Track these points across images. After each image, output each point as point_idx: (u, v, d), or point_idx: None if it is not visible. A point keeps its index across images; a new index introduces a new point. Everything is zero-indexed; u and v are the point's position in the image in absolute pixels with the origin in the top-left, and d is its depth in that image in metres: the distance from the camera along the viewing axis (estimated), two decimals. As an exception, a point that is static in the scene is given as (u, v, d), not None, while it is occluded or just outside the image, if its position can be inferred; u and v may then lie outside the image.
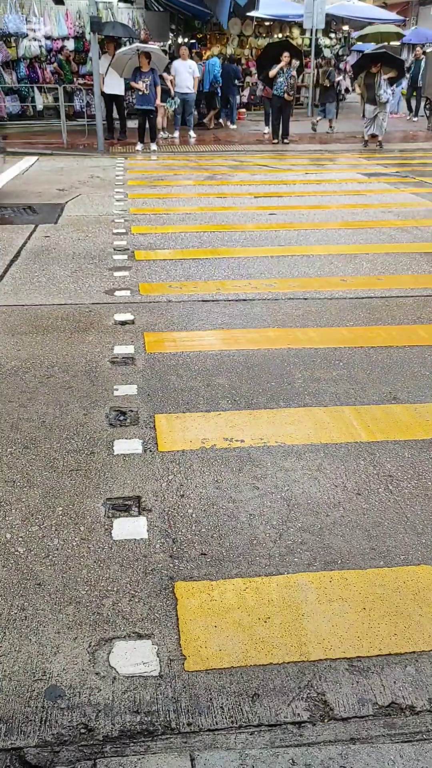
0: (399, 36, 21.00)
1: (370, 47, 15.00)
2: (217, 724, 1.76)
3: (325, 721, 1.77)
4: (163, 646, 1.98)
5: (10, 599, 2.15)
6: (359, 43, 15.84)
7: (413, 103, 20.15)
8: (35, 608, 2.12)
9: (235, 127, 17.83)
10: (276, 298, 5.04)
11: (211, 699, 1.82)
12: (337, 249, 6.48)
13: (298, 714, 1.79)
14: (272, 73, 14.13)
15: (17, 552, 2.37)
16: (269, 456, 2.97)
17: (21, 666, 1.92)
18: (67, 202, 8.52)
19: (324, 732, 1.74)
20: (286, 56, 14.15)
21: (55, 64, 17.30)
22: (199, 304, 4.90)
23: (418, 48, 20.11)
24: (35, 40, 16.96)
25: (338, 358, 3.99)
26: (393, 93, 15.17)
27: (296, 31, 23.76)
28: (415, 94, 19.77)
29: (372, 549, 2.40)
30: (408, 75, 18.84)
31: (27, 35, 16.86)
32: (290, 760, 1.65)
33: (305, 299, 5.01)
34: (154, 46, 14.38)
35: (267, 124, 16.01)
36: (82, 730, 1.74)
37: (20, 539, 2.43)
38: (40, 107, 17.44)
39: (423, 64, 18.08)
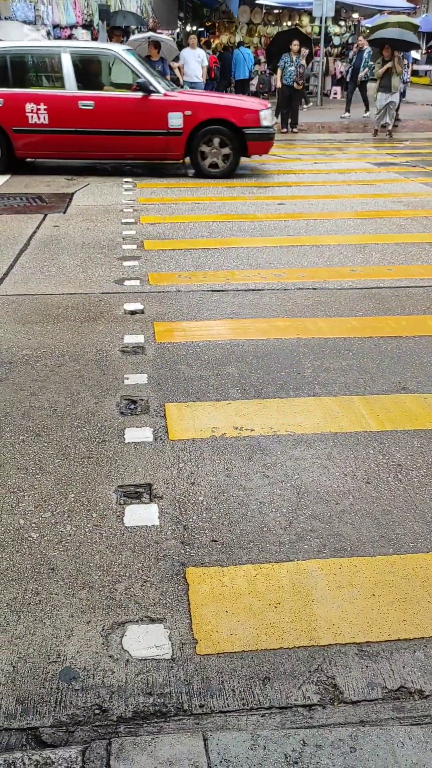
0: (415, 27, 20.47)
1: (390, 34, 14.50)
2: (228, 706, 1.79)
3: (335, 704, 1.80)
4: (175, 630, 2.02)
5: (24, 584, 2.19)
6: (380, 30, 15.05)
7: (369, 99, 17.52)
8: (49, 592, 2.16)
9: None
10: (285, 288, 5.05)
11: (222, 682, 1.85)
12: (346, 239, 6.47)
13: (309, 697, 1.82)
14: (278, 72, 14.24)
15: (30, 538, 2.40)
16: (279, 445, 2.99)
17: (36, 648, 1.95)
18: (75, 192, 8.53)
19: (334, 714, 1.77)
20: (295, 44, 14.09)
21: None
22: (208, 293, 4.92)
23: (360, 38, 18.31)
24: (44, 26, 16.91)
25: (348, 348, 4.00)
26: (407, 82, 15.00)
27: (306, 19, 23.60)
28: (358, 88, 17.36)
29: (381, 537, 2.42)
30: (349, 66, 17.48)
31: (35, 23, 16.82)
32: (301, 741, 1.68)
33: (315, 289, 5.02)
34: (164, 36, 14.33)
35: (275, 115, 15.94)
36: (97, 711, 1.77)
37: (33, 525, 2.47)
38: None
39: (365, 55, 16.24)
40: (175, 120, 9.00)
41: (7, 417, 3.20)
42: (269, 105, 9.99)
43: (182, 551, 2.34)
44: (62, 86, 9.16)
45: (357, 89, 17.12)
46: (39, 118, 9.01)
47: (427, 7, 26.96)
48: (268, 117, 9.38)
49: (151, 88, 9.03)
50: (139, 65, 9.42)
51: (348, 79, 17.39)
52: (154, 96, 9.02)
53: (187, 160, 9.59)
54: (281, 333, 4.21)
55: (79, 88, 9.10)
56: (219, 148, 9.29)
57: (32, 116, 8.99)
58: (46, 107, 8.97)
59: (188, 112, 9.03)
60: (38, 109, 8.98)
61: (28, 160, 9.87)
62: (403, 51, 13.98)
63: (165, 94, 9.12)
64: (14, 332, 4.20)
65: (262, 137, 9.38)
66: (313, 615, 2.07)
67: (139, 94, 9.05)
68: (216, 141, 9.25)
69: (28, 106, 8.97)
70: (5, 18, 16.57)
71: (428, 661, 1.93)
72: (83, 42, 11.55)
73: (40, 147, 9.32)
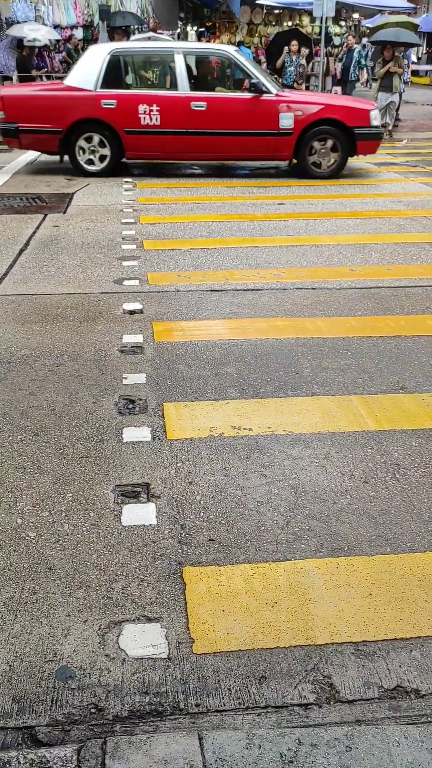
0: (415, 26, 20.43)
1: (388, 35, 14.52)
2: (224, 705, 1.79)
3: (331, 703, 1.80)
4: (172, 629, 2.02)
5: (21, 583, 2.19)
6: (381, 31, 15.00)
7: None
8: (46, 592, 2.16)
9: None
10: (284, 287, 5.05)
11: (218, 681, 1.85)
12: (345, 239, 6.47)
13: (305, 696, 1.82)
14: (279, 63, 14.15)
15: (28, 537, 2.40)
16: (277, 444, 2.99)
17: (32, 647, 1.95)
18: (75, 192, 8.53)
19: (330, 714, 1.77)
20: (294, 44, 14.11)
21: (64, 53, 17.27)
22: (207, 293, 4.92)
23: (350, 38, 18.42)
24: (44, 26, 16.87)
25: (346, 348, 4.00)
26: (407, 82, 14.97)
27: (306, 19, 23.62)
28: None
29: (379, 536, 2.42)
30: (339, 66, 17.44)
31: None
32: (296, 740, 1.68)
33: (314, 289, 5.02)
34: (165, 36, 14.34)
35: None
36: (93, 710, 1.77)
37: (31, 524, 2.47)
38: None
39: (356, 55, 15.93)
40: (287, 120, 8.98)
41: (6, 416, 3.20)
42: (376, 104, 9.99)
43: (179, 550, 2.34)
44: (175, 87, 9.15)
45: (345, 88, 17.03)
46: (151, 120, 8.93)
47: (427, 7, 26.97)
48: (377, 117, 9.40)
49: (264, 88, 9.02)
50: (251, 66, 9.48)
51: (340, 79, 17.33)
52: (265, 96, 9.00)
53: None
54: (280, 333, 4.21)
55: (191, 88, 9.09)
56: (328, 148, 9.27)
57: (144, 117, 8.93)
58: (158, 108, 8.90)
59: (299, 113, 9.01)
60: (151, 111, 8.91)
61: (124, 161, 9.70)
62: (406, 48, 13.97)
63: (277, 95, 9.09)
64: (13, 332, 4.20)
65: (371, 137, 9.36)
66: (309, 614, 2.07)
67: (249, 95, 9.05)
68: (325, 141, 9.23)
69: (141, 108, 8.89)
70: (6, 18, 16.58)
71: (425, 661, 1.93)
72: (194, 42, 11.77)
73: (150, 148, 9.28)
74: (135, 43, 11.92)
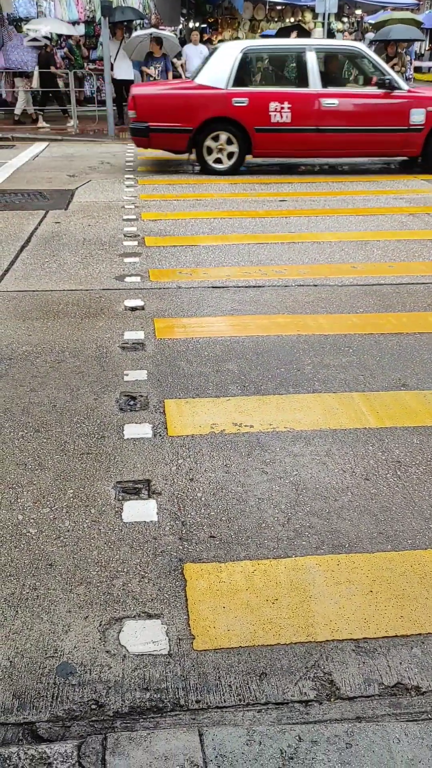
0: (418, 23, 20.40)
1: (385, 33, 14.58)
2: (225, 701, 1.79)
3: (332, 700, 1.80)
4: (173, 625, 2.02)
5: (22, 579, 2.19)
6: (381, 30, 14.97)
7: None
8: (47, 588, 2.16)
9: None
10: (286, 284, 5.04)
11: (219, 677, 1.85)
12: (347, 236, 6.46)
13: (305, 693, 1.82)
14: None
15: (29, 533, 2.40)
16: (278, 441, 2.99)
17: (33, 644, 1.95)
18: (77, 188, 8.52)
19: (330, 710, 1.77)
20: (293, 36, 14.10)
21: (66, 49, 17.21)
22: (209, 290, 4.91)
23: (346, 34, 18.79)
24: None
25: (348, 345, 3.99)
26: (410, 79, 14.95)
27: (308, 15, 23.55)
28: None
29: (380, 533, 2.42)
30: None
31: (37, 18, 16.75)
32: (297, 737, 1.68)
33: (315, 286, 5.01)
34: (167, 32, 14.30)
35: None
36: (93, 706, 1.77)
37: (32, 521, 2.47)
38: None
39: None
40: (418, 116, 9.08)
41: (7, 413, 3.20)
42: None
43: (180, 547, 2.34)
44: (305, 84, 9.13)
45: None
46: (282, 117, 8.95)
47: (430, 4, 26.88)
48: None
49: (396, 84, 9.10)
50: (383, 62, 9.56)
51: None
52: (396, 92, 9.09)
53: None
54: (281, 329, 4.20)
55: (322, 85, 9.10)
56: None
57: (275, 115, 8.94)
58: (290, 106, 8.93)
59: (430, 108, 9.07)
60: (281, 108, 8.91)
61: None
62: (409, 44, 13.97)
63: (408, 91, 9.23)
64: (14, 328, 4.20)
65: None
66: (310, 611, 2.07)
67: (380, 91, 9.12)
68: None
69: (272, 105, 8.90)
70: (7, 14, 16.53)
71: (425, 658, 1.93)
72: (323, 39, 11.78)
73: (279, 146, 9.30)
74: (266, 41, 12.03)
